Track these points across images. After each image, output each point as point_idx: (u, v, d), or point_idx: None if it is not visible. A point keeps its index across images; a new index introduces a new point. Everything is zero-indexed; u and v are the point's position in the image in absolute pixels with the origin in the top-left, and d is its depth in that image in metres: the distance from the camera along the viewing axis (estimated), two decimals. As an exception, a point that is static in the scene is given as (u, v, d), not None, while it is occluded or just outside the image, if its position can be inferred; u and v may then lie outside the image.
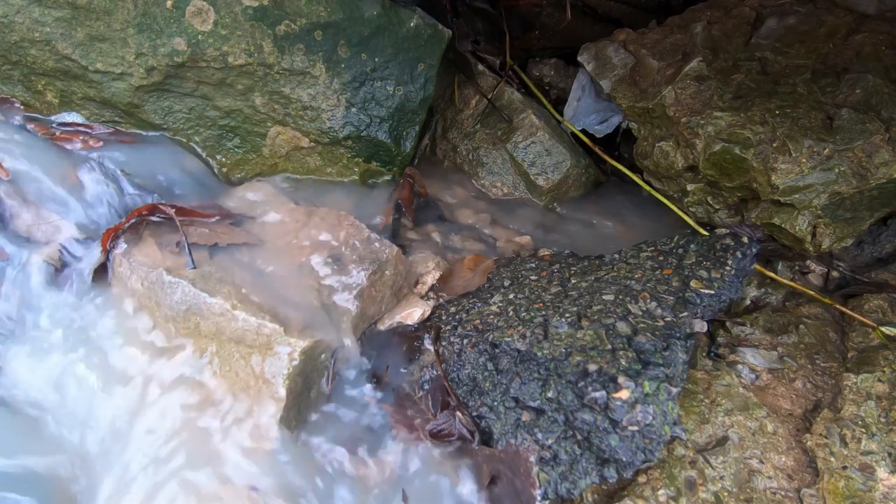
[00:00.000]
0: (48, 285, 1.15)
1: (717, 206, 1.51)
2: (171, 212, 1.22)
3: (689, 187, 1.54)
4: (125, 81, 1.36)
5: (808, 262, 1.50)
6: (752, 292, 1.46)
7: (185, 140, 1.45)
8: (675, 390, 0.97)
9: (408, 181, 1.62)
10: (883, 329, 1.27)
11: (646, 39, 1.69)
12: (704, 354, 1.27)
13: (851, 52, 1.43)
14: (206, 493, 0.94)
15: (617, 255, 1.38)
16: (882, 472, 1.02)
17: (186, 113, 1.43)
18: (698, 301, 1.16)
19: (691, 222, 1.55)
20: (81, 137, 1.34)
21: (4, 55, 1.31)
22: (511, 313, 1.21)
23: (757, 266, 1.42)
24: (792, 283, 1.44)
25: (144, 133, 1.43)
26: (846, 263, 1.51)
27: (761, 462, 1.06)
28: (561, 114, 1.87)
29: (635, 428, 0.94)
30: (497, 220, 1.67)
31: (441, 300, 1.39)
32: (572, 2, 1.85)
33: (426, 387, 1.19)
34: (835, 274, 1.49)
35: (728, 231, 1.34)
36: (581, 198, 1.80)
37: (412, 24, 1.52)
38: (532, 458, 1.01)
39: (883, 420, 1.09)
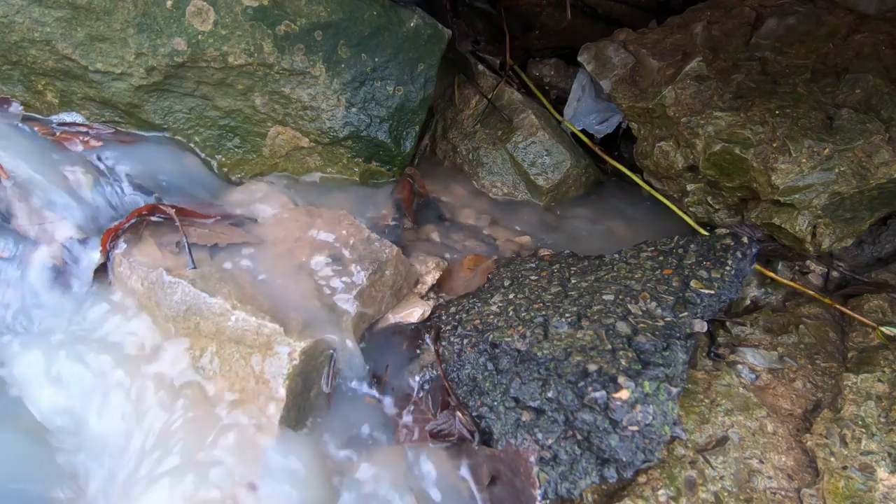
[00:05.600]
0: (48, 285, 1.15)
1: (717, 206, 1.51)
2: (171, 212, 1.22)
3: (689, 187, 1.54)
4: (125, 81, 1.36)
5: (808, 262, 1.50)
6: (752, 292, 1.46)
7: (185, 140, 1.45)
8: (675, 390, 0.97)
9: (408, 181, 1.62)
10: (883, 329, 1.27)
11: (646, 39, 1.69)
12: (704, 354, 1.27)
13: (851, 52, 1.43)
14: (205, 493, 0.94)
15: (617, 255, 1.37)
16: (882, 472, 1.02)
17: (186, 113, 1.43)
18: (698, 301, 1.16)
19: (691, 222, 1.55)
20: (81, 137, 1.34)
21: (4, 55, 1.31)
22: (511, 313, 1.21)
23: (757, 266, 1.42)
24: (792, 283, 1.44)
25: (144, 133, 1.43)
26: (846, 263, 1.51)
27: (761, 462, 1.06)
28: (561, 114, 1.87)
29: (635, 428, 0.94)
30: (497, 220, 1.67)
31: (441, 300, 1.39)
32: (572, 2, 1.85)
33: (426, 387, 1.19)
34: (835, 274, 1.49)
35: (728, 231, 1.34)
36: (581, 198, 1.80)
37: (412, 24, 1.52)
38: (532, 458, 1.01)
39: (883, 420, 1.08)
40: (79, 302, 1.15)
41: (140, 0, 1.30)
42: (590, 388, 0.98)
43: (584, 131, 1.83)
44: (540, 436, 1.02)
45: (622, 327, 1.08)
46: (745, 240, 1.30)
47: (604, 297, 1.19)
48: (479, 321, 1.22)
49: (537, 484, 1.00)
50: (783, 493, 1.03)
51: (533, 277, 1.36)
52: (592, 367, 1.00)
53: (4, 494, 0.97)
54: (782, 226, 1.36)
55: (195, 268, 1.14)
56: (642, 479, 1.03)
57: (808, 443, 1.09)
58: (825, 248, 1.35)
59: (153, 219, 1.23)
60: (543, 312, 1.18)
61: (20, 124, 1.32)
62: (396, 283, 1.31)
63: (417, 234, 1.55)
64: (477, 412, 1.12)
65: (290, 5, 1.39)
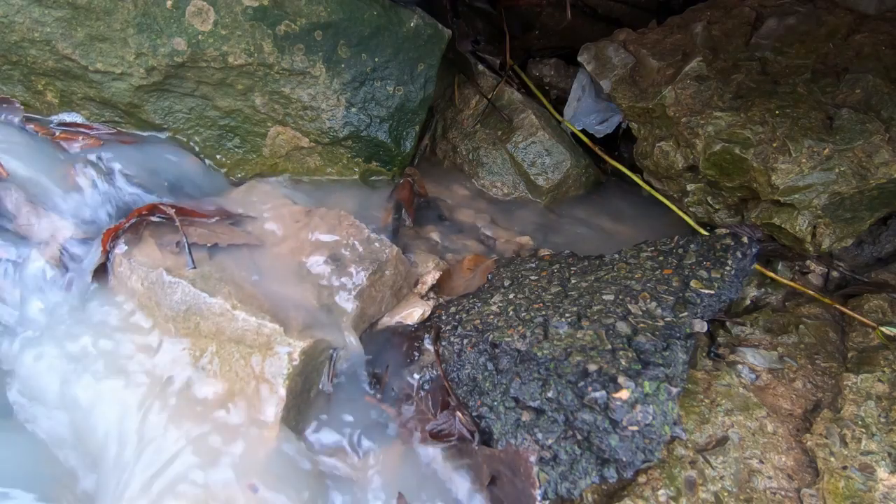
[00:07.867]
0: (48, 285, 1.15)
1: (717, 206, 1.51)
2: (171, 212, 1.22)
3: (689, 187, 1.54)
4: (125, 81, 1.36)
5: (808, 262, 1.50)
6: (752, 292, 1.46)
7: (185, 140, 1.45)
8: (675, 390, 0.97)
9: (408, 181, 1.62)
10: (883, 329, 1.27)
11: (646, 39, 1.69)
12: (704, 354, 1.27)
13: (851, 52, 1.43)
14: (205, 493, 0.94)
15: (617, 255, 1.37)
16: (882, 472, 1.02)
17: (186, 113, 1.43)
18: (698, 301, 1.16)
19: (691, 222, 1.55)
20: (81, 137, 1.34)
21: (4, 55, 1.31)
22: (511, 313, 1.21)
23: (757, 266, 1.42)
24: (792, 283, 1.44)
25: (144, 133, 1.43)
26: (846, 263, 1.51)
27: (761, 462, 1.06)
28: (561, 114, 1.87)
29: (635, 428, 0.94)
30: (497, 220, 1.67)
31: (441, 300, 1.38)
32: (572, 2, 1.85)
33: (426, 387, 1.19)
34: (835, 274, 1.49)
35: (728, 231, 1.34)
36: (581, 198, 1.80)
37: (412, 24, 1.52)
38: (532, 458, 1.01)
39: (883, 420, 1.09)
40: (78, 302, 1.15)
41: (140, 0, 1.30)
42: (590, 388, 0.98)
43: (584, 131, 1.83)
44: (540, 436, 1.02)
45: (622, 327, 1.08)
46: (745, 240, 1.30)
47: (604, 297, 1.19)
48: (479, 321, 1.22)
49: (537, 484, 1.00)
50: (783, 493, 1.03)
51: (533, 277, 1.36)
52: (592, 367, 1.00)
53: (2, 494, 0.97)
54: (782, 226, 1.36)
55: (195, 268, 1.14)
56: (642, 479, 1.03)
57: (808, 443, 1.09)
58: (825, 248, 1.35)
59: (153, 219, 1.23)
60: (543, 312, 1.18)
61: (20, 124, 1.32)
62: (396, 283, 1.31)
63: (417, 234, 1.55)
64: (477, 412, 1.12)
65: (290, 5, 1.39)
